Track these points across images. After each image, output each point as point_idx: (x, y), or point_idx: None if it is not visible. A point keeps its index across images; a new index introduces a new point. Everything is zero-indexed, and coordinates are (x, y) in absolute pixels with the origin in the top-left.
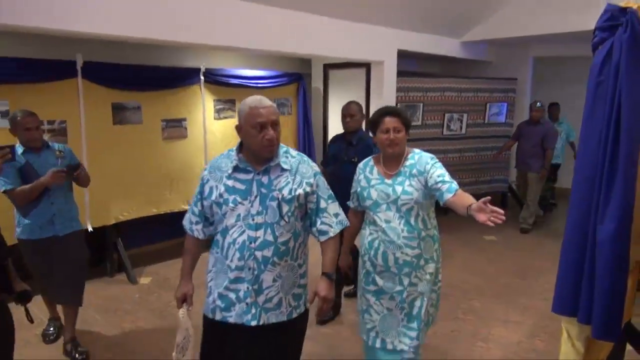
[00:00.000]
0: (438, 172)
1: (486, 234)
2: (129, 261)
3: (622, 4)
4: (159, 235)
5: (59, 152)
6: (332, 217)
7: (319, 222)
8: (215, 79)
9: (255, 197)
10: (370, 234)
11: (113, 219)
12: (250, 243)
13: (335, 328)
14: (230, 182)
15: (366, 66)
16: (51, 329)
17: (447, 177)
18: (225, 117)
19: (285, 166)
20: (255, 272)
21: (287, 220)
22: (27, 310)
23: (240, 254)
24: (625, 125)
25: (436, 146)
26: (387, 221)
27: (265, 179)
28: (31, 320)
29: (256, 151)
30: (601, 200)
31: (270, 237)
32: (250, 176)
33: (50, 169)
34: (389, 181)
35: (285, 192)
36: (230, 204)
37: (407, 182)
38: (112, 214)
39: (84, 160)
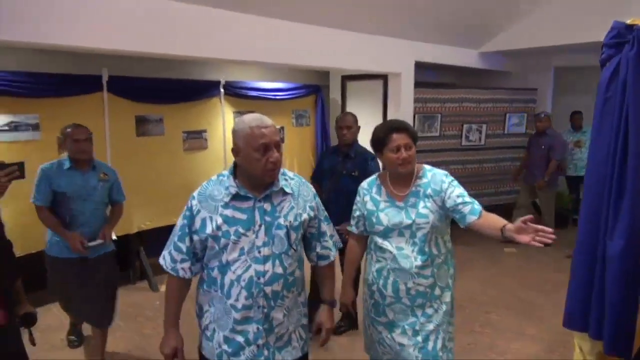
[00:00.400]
0: (457, 191)
1: (507, 246)
2: (151, 269)
3: (629, 21)
4: None
5: (103, 174)
6: (330, 240)
7: (319, 247)
8: (234, 92)
9: (260, 226)
10: (378, 261)
11: (136, 228)
12: (259, 278)
13: (352, 337)
14: (228, 212)
15: (383, 78)
16: (73, 336)
17: (468, 197)
18: None
19: (287, 190)
20: (265, 310)
21: (295, 248)
22: (30, 333)
23: (248, 291)
24: (633, 141)
25: (454, 157)
26: (399, 248)
27: (267, 206)
28: (33, 343)
29: (258, 176)
30: (610, 216)
31: (279, 270)
32: (250, 204)
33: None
34: (400, 204)
35: (291, 218)
36: (232, 237)
37: (421, 204)
38: (135, 223)
39: None
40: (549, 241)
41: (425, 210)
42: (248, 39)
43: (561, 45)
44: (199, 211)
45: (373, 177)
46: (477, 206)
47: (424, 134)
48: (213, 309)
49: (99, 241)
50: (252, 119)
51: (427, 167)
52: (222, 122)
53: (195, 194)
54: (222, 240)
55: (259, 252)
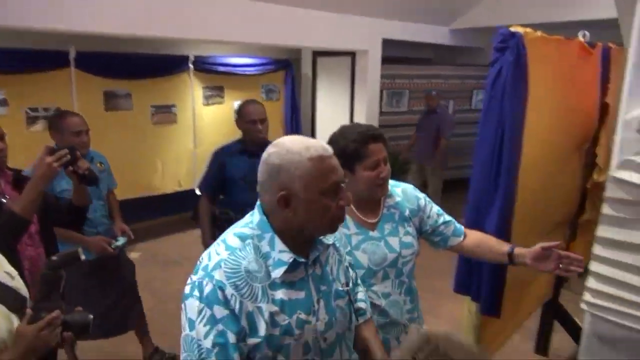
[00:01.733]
0: (435, 208)
1: None
2: None
3: (512, 28)
4: (148, 214)
5: (100, 164)
6: (360, 287)
7: (354, 301)
8: (204, 67)
9: (318, 301)
10: None
11: None
12: None
13: None
14: (282, 294)
15: (352, 55)
16: None
17: (447, 215)
18: (214, 104)
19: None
20: None
21: (357, 318)
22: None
23: None
24: (507, 142)
25: None
26: (386, 295)
27: (318, 269)
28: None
29: (320, 229)
30: (490, 202)
31: (346, 355)
32: (302, 272)
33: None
34: (375, 233)
35: (343, 277)
36: (296, 331)
37: (401, 230)
38: None
39: None
40: (580, 270)
41: (408, 237)
42: (217, 18)
43: (531, 23)
44: (240, 304)
45: None
46: (458, 225)
47: (392, 109)
48: None
49: (124, 238)
50: (306, 146)
51: (391, 181)
52: (191, 96)
53: (219, 277)
54: (280, 340)
55: (325, 339)
